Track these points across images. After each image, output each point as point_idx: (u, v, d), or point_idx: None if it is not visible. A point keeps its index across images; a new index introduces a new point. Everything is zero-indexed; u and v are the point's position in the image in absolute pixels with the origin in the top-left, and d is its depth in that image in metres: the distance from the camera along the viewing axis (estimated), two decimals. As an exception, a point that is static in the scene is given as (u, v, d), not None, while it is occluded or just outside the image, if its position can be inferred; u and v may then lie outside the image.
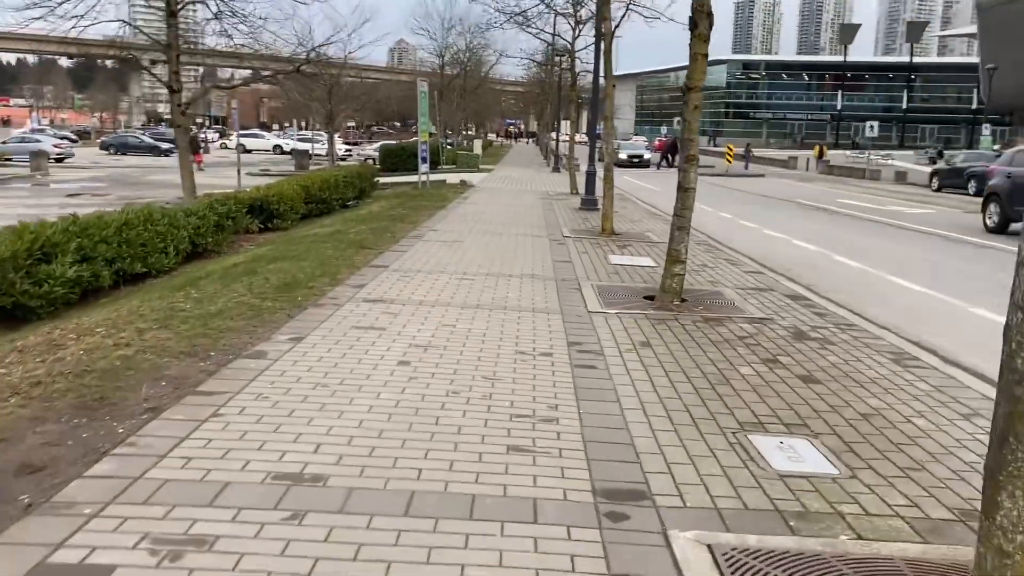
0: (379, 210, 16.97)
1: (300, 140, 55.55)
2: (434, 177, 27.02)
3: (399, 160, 33.92)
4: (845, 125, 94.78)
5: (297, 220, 16.16)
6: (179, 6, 12.60)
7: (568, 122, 26.90)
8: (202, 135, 70.74)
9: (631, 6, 12.33)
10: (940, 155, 60.04)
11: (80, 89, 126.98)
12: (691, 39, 7.30)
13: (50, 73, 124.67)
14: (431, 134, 50.56)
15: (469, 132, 60.81)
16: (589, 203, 17.99)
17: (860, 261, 11.89)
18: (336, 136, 76.09)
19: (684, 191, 7.48)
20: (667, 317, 7.08)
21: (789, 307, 7.83)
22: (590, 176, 18.29)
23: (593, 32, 22.04)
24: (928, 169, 40.00)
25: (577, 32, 22.57)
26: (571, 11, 22.09)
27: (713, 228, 15.34)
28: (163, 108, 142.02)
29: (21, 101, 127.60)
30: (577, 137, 57.53)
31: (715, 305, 7.69)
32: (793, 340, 6.45)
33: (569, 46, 22.85)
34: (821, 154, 49.25)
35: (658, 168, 41.27)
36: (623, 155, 34.71)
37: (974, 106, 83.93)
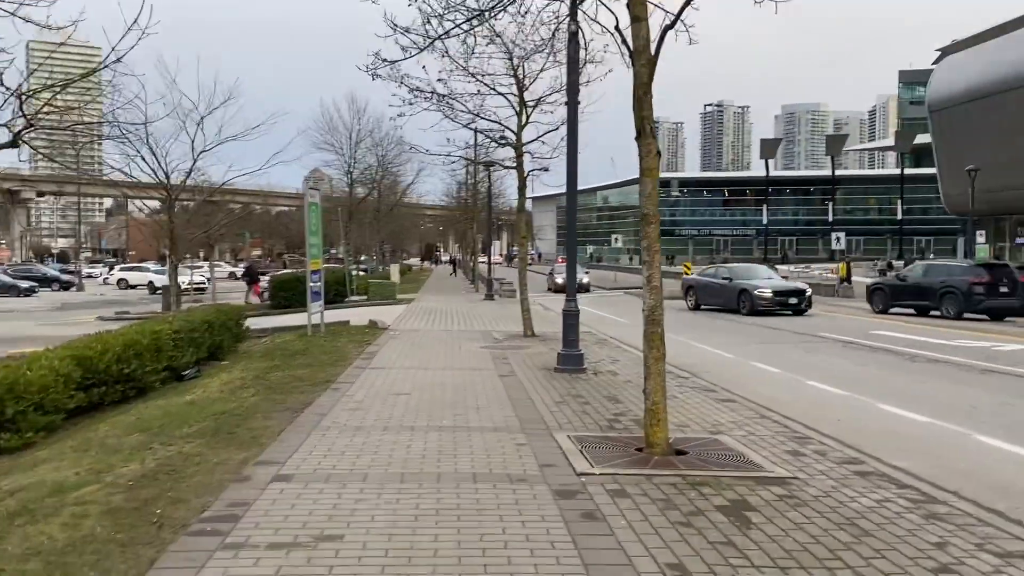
0: (217, 393, 9.72)
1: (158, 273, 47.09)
2: (337, 315, 20.00)
3: (294, 294, 26.43)
4: (772, 239, 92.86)
5: (60, 420, 8.79)
6: None
7: (519, 239, 20.46)
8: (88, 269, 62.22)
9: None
10: (890, 266, 56.55)
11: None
12: None
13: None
14: (337, 258, 43.49)
15: (384, 255, 53.97)
16: (571, 361, 11.24)
17: None
18: (239, 264, 68.15)
19: None
20: None
21: None
22: (570, 317, 11.54)
23: (551, 117, 16.00)
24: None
25: (525, 118, 16.41)
26: (515, 91, 16.02)
27: (792, 405, 8.72)
28: (58, 243, 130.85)
29: None
30: (493, 258, 51.29)
31: None
32: None
33: (514, 134, 16.62)
34: (848, 275, 36.32)
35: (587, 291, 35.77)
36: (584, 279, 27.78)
37: (899, 216, 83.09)
